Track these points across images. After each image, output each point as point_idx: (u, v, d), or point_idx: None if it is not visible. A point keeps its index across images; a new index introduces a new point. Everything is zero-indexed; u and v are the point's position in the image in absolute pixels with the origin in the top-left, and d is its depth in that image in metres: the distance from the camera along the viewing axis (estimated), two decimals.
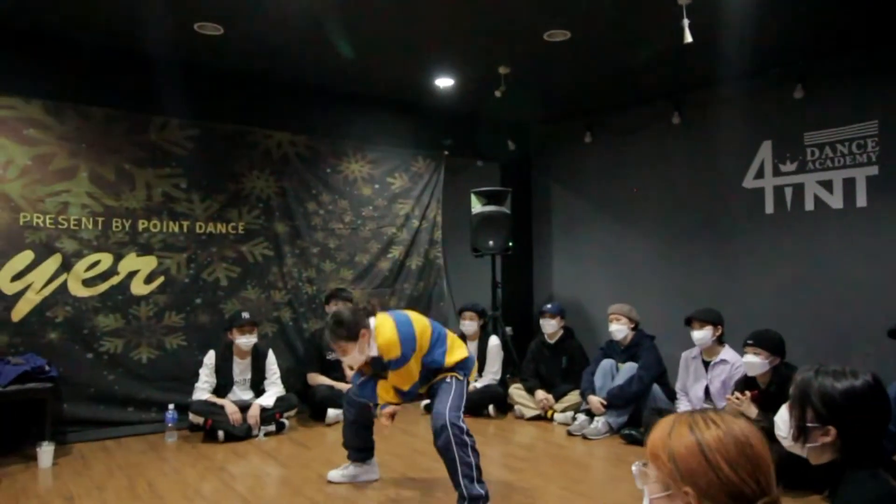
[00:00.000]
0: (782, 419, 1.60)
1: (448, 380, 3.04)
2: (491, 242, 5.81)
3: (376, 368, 3.04)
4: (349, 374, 3.23)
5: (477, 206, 5.89)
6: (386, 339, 2.85)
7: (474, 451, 2.85)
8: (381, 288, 5.83)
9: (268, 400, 4.55)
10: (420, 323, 3.06)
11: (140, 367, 4.60)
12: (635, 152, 6.04)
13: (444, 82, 5.38)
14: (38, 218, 4.26)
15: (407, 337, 2.90)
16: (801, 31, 4.32)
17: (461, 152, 6.42)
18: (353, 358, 2.85)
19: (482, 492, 2.80)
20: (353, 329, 2.80)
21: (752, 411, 3.47)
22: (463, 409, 3.00)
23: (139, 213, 4.63)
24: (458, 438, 2.79)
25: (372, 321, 2.91)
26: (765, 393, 3.53)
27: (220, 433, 4.29)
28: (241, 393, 4.60)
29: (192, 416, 4.38)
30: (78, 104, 4.42)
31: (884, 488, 1.40)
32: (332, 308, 4.94)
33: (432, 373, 3.11)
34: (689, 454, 1.05)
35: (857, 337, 4.50)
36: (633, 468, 1.17)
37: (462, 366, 3.13)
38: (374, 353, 2.89)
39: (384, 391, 3.10)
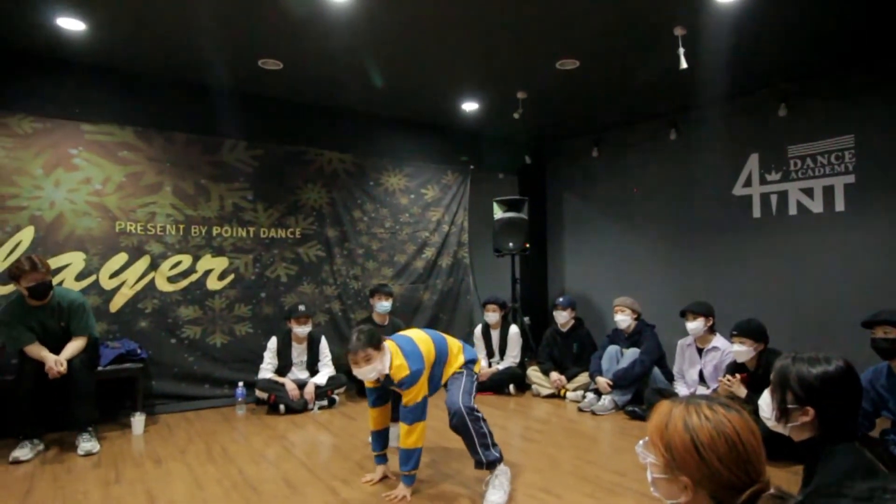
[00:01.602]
0: (765, 402, 1.57)
1: (457, 374, 2.91)
2: (511, 244, 5.78)
3: (386, 385, 2.83)
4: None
5: (498, 213, 5.87)
6: (396, 362, 2.70)
7: (486, 423, 2.77)
8: (416, 283, 5.85)
9: (321, 379, 4.60)
10: (421, 339, 2.86)
11: (215, 350, 4.70)
12: (637, 165, 5.96)
13: (470, 106, 5.38)
14: (130, 225, 4.38)
15: (414, 355, 2.74)
16: (784, 57, 4.22)
17: (484, 166, 6.41)
18: (372, 367, 2.62)
19: (497, 455, 2.74)
20: (376, 340, 2.63)
21: (742, 391, 3.40)
22: (474, 393, 2.86)
23: (213, 220, 4.73)
24: (471, 416, 2.71)
25: (384, 345, 2.72)
26: (753, 375, 3.46)
27: (282, 407, 4.36)
28: (299, 373, 4.66)
29: (258, 392, 4.46)
30: (163, 130, 4.53)
31: (859, 459, 1.38)
32: (375, 301, 4.99)
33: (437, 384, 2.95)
34: (684, 450, 1.03)
35: (834, 327, 4.37)
36: (638, 448, 1.13)
37: (465, 366, 2.95)
38: (386, 370, 2.70)
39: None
